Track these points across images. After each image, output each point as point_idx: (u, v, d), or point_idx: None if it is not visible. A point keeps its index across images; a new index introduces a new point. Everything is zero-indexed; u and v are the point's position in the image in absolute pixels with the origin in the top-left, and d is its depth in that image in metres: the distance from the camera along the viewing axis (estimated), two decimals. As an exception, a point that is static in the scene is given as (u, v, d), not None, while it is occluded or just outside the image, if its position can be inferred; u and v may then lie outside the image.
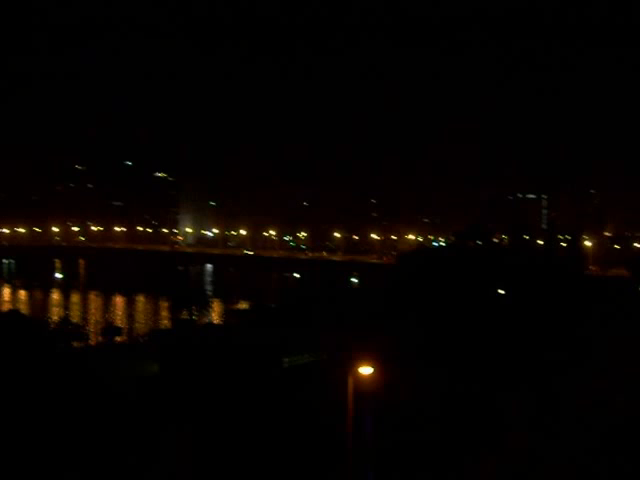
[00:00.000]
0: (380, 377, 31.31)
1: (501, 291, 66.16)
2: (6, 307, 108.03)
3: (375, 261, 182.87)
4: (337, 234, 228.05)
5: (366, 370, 29.88)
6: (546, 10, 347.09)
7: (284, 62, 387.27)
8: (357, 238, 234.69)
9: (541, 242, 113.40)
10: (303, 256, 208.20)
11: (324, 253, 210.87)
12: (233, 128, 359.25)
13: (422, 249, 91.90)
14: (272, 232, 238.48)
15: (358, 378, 29.99)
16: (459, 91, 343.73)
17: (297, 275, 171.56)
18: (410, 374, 42.04)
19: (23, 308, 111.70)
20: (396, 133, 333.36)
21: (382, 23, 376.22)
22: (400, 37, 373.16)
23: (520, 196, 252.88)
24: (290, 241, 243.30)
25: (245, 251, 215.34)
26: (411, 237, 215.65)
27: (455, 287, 60.43)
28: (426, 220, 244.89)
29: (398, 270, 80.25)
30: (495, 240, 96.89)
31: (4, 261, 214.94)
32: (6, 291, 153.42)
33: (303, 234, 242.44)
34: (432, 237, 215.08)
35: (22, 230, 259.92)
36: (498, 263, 71.36)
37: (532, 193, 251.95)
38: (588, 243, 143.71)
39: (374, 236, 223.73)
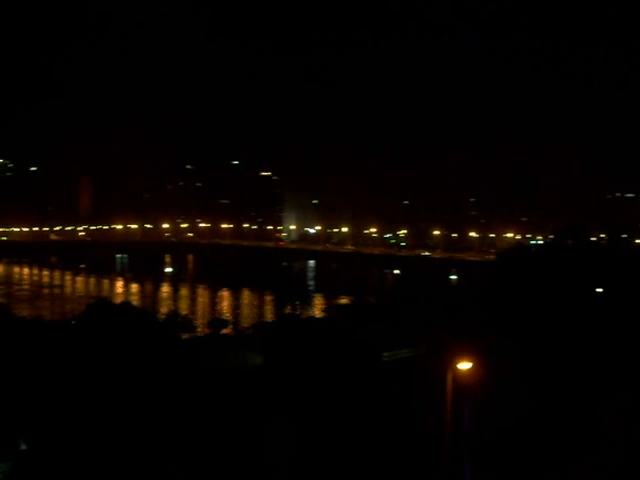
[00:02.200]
0: (479, 373, 31.83)
1: (599, 290, 65.67)
2: (119, 299, 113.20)
3: (474, 259, 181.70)
4: (436, 232, 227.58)
5: (465, 365, 30.49)
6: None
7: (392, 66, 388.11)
8: (456, 236, 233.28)
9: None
10: (403, 253, 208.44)
11: (424, 251, 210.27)
12: (336, 129, 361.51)
13: (522, 247, 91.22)
14: (373, 229, 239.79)
15: (457, 373, 30.64)
16: (558, 89, 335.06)
17: (397, 272, 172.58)
18: (508, 371, 42.07)
19: (135, 300, 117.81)
20: (495, 133, 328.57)
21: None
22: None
23: (619, 195, 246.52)
24: (390, 238, 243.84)
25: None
26: (509, 235, 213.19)
27: (554, 285, 60.47)
28: (524, 219, 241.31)
29: (498, 267, 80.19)
30: (593, 239, 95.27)
31: (117, 256, 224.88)
32: (119, 284, 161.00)
33: (403, 232, 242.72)
34: (530, 235, 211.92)
35: (135, 226, 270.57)
36: (596, 262, 70.68)
37: (631, 192, 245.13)
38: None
39: (473, 234, 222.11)
